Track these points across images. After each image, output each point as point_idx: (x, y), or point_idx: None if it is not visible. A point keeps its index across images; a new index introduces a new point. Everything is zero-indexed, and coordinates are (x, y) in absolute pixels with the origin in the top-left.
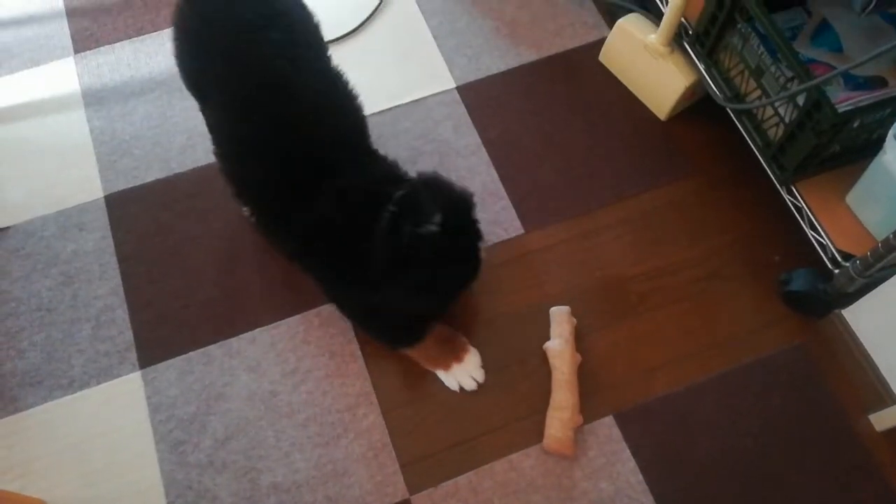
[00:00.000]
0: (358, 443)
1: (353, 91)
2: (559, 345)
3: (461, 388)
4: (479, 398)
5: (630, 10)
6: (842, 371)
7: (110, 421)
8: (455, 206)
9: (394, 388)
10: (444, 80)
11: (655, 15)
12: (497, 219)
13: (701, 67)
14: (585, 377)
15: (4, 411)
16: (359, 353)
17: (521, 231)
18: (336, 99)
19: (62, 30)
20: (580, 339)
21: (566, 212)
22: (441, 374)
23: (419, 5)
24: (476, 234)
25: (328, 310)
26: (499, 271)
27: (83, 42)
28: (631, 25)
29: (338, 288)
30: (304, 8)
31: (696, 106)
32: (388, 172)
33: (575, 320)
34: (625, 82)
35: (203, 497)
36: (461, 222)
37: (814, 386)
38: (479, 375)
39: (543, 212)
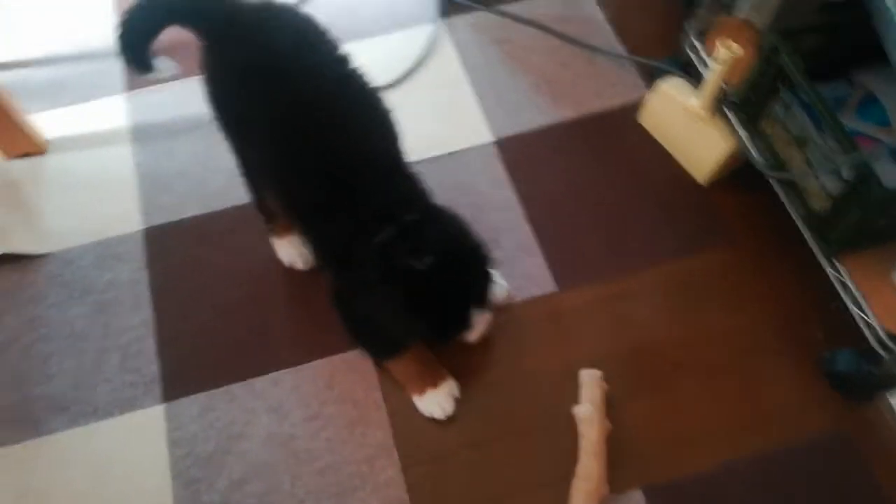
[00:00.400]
0: (375, 497)
1: (385, 107)
2: (588, 410)
3: (431, 415)
4: (502, 461)
5: (670, 73)
6: (889, 459)
7: (129, 452)
8: (457, 258)
9: (416, 443)
10: (482, 134)
11: (696, 79)
12: (530, 275)
13: (742, 134)
14: (614, 446)
15: (27, 435)
16: (382, 402)
17: (555, 289)
18: (370, 117)
19: (116, 68)
20: (611, 406)
21: (601, 272)
22: (416, 399)
23: (462, 59)
24: (470, 294)
25: (354, 356)
26: (530, 328)
27: (135, 80)
28: (671, 88)
29: (341, 284)
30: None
31: (738, 172)
32: (412, 196)
33: (606, 385)
34: (664, 145)
35: None
36: (456, 277)
37: (857, 474)
38: (449, 406)
39: (578, 271)
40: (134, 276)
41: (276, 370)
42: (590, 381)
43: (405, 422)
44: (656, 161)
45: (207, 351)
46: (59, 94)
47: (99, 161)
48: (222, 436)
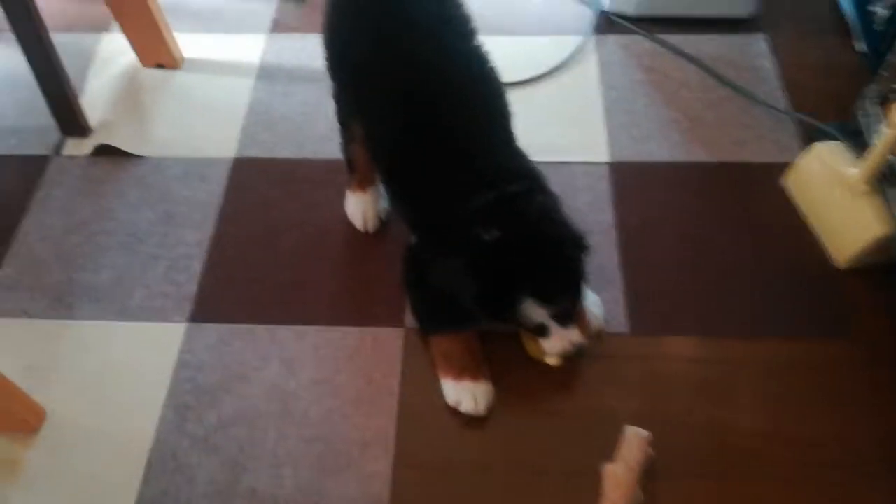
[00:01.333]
0: (354, 485)
1: (502, 86)
2: (622, 471)
3: (457, 406)
4: (505, 494)
5: (833, 138)
6: None
7: (139, 360)
8: (534, 239)
9: (418, 444)
10: (598, 152)
11: (859, 147)
12: (603, 305)
13: None
14: None
15: (58, 314)
16: (397, 390)
17: (625, 330)
18: (489, 90)
19: (269, 10)
20: (651, 478)
21: (686, 328)
22: (448, 381)
23: (601, 76)
24: (536, 283)
25: (388, 334)
26: (584, 364)
27: (281, 25)
28: (830, 152)
29: (421, 246)
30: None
31: (886, 265)
32: (520, 170)
33: (652, 452)
34: (806, 213)
35: (180, 471)
36: (525, 259)
37: None
38: (483, 404)
39: (659, 319)
40: (209, 197)
41: (304, 324)
42: (633, 441)
43: (414, 418)
44: (790, 229)
45: (246, 286)
46: (210, 21)
47: (221, 88)
48: (228, 372)
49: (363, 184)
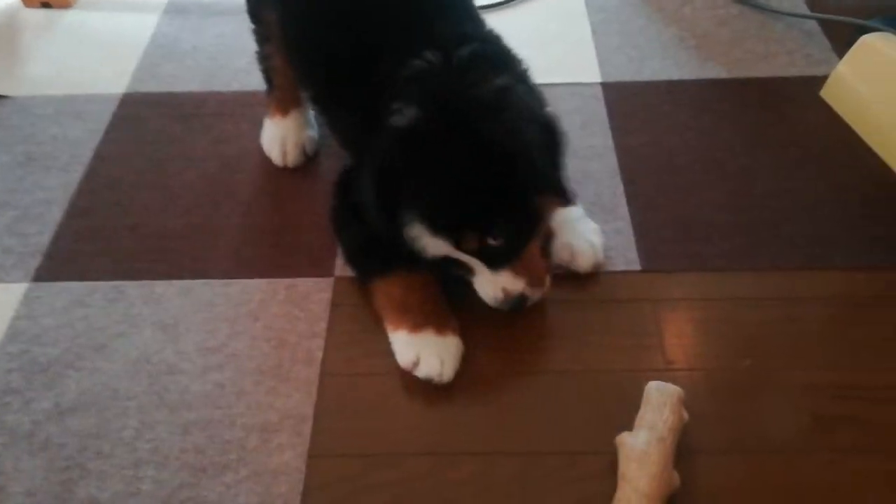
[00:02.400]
0: (248, 486)
1: None
2: (645, 442)
3: (413, 367)
4: (479, 492)
5: (881, 31)
6: None
7: None
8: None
9: (345, 427)
10: (588, 73)
11: None
12: (606, 242)
13: None
14: None
15: None
16: (319, 356)
17: (637, 267)
18: None
19: None
20: (685, 454)
21: (718, 261)
22: (400, 334)
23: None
24: (499, 186)
25: (308, 285)
26: (593, 312)
27: None
28: (882, 43)
29: (346, 138)
30: None
31: None
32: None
33: (686, 415)
34: (856, 126)
35: None
36: (478, 151)
37: None
38: (450, 366)
39: (680, 252)
40: (83, 136)
41: (193, 278)
42: (661, 399)
43: (342, 393)
44: (838, 143)
45: (119, 235)
46: None
47: (118, 24)
48: (77, 342)
49: (284, 105)
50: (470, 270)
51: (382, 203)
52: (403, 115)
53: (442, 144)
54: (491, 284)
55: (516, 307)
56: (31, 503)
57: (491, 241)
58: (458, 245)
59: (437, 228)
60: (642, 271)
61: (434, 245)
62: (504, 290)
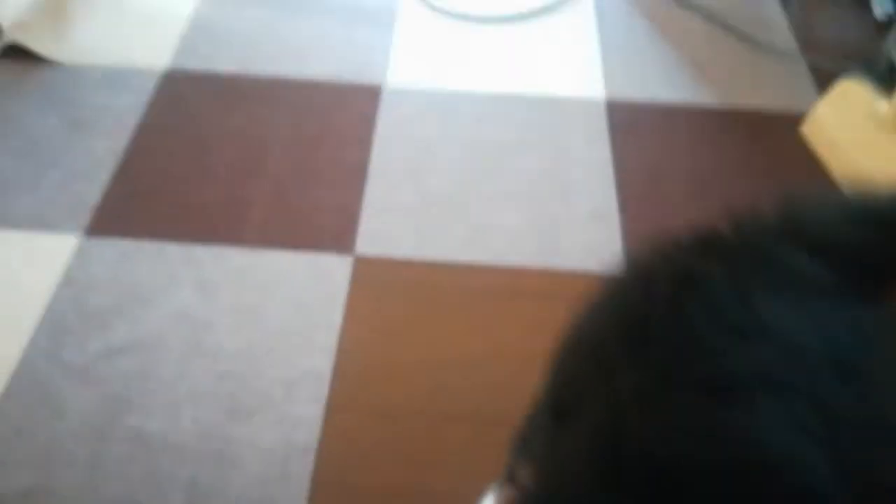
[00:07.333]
0: (272, 432)
1: None
2: None
3: None
4: (467, 448)
5: (858, 76)
6: None
7: (11, 273)
8: None
9: (361, 387)
10: (593, 89)
11: (887, 87)
12: (595, 247)
13: None
14: None
15: None
16: (339, 325)
17: None
18: None
19: None
20: None
21: None
22: None
23: (598, 18)
24: None
25: (331, 261)
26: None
27: None
28: (857, 90)
29: None
30: None
31: None
32: None
33: None
34: (830, 162)
35: (46, 403)
36: None
37: None
38: None
39: None
40: (130, 105)
41: (228, 244)
42: None
43: (359, 358)
44: (812, 177)
45: (162, 199)
46: None
47: (159, 0)
48: (125, 293)
49: None
50: None
51: None
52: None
53: None
54: None
55: None
56: (86, 428)
57: None
58: None
59: None
60: None
61: None
62: None
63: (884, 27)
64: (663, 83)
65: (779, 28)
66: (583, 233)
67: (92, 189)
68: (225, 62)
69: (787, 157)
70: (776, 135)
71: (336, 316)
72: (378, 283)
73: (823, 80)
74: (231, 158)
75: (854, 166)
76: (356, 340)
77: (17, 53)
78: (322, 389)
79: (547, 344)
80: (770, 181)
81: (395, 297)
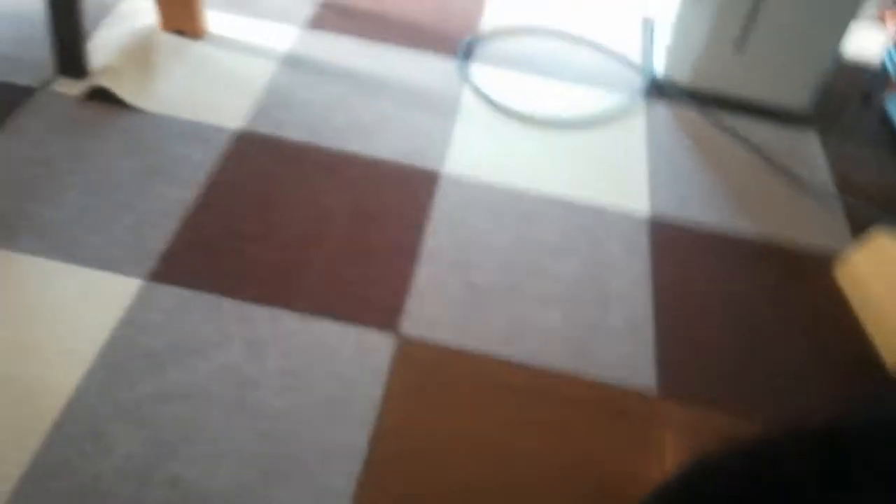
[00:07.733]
0: (305, 498)
1: None
2: None
3: None
4: None
5: (892, 229)
6: None
7: (77, 309)
8: None
9: (392, 468)
10: (639, 205)
11: None
12: (628, 358)
13: None
14: None
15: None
16: (379, 403)
17: (653, 386)
18: None
19: (307, 7)
20: None
21: (723, 400)
22: None
23: (648, 136)
24: None
25: (377, 338)
26: (604, 423)
27: (319, 22)
28: (892, 244)
29: None
30: None
31: None
32: None
33: None
34: (862, 311)
35: (95, 440)
36: None
37: None
38: None
39: (696, 384)
40: (203, 160)
41: (281, 307)
42: None
43: (394, 439)
44: (840, 322)
45: (223, 255)
46: (245, 5)
47: (240, 64)
48: (178, 341)
49: None
50: None
51: None
52: None
53: None
54: None
55: None
56: (129, 467)
57: None
58: None
59: None
60: (658, 395)
61: None
62: None
63: None
64: (704, 206)
65: (817, 165)
66: (617, 342)
67: (159, 235)
68: (295, 130)
69: (819, 295)
70: (809, 271)
71: (377, 390)
72: (418, 366)
73: (858, 224)
74: (292, 223)
75: (886, 322)
76: (394, 418)
77: (103, 97)
78: (356, 465)
79: (570, 449)
80: (801, 316)
81: (433, 382)
